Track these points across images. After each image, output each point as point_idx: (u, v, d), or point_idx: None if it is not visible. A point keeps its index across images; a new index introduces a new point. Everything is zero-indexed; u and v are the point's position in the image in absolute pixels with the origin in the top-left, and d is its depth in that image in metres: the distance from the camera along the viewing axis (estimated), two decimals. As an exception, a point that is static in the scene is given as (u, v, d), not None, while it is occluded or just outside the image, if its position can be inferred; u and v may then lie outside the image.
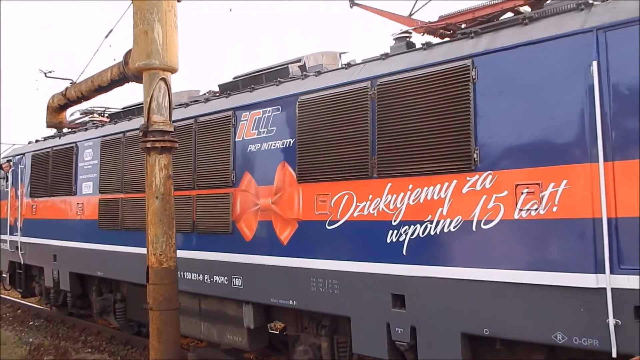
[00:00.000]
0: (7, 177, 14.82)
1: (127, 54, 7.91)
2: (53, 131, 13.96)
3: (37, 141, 14.13)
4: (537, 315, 5.22)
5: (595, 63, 4.93)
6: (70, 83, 10.75)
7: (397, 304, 6.28)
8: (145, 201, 7.57)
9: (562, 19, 5.38)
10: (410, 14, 7.59)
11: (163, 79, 7.31)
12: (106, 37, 10.88)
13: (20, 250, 14.02)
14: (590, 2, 5.34)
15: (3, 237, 15.10)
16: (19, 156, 14.33)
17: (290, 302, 7.38)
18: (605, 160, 4.85)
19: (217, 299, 8.66)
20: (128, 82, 8.45)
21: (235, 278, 8.14)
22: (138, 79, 7.73)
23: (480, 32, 6.06)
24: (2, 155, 15.90)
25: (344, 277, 6.77)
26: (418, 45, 6.81)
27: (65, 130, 13.25)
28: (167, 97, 7.37)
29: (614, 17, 4.98)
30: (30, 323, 14.18)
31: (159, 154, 7.35)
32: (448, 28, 6.92)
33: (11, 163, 14.59)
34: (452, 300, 5.80)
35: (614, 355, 4.78)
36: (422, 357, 6.03)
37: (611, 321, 4.77)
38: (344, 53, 8.40)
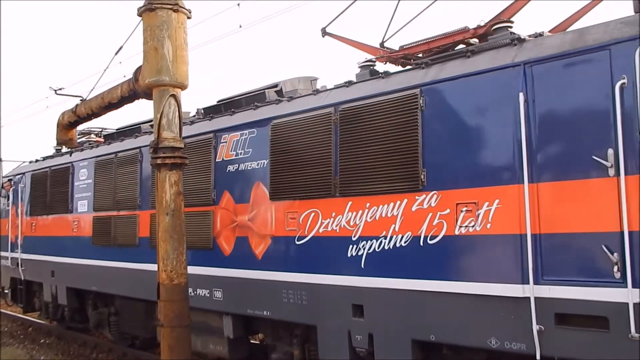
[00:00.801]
0: (9, 195, 15.47)
1: (137, 71, 7.88)
2: (53, 151, 14.65)
3: (36, 161, 14.79)
4: (475, 322, 5.72)
5: (521, 94, 5.47)
6: (81, 100, 10.61)
7: (357, 313, 6.80)
8: (156, 218, 7.65)
9: (498, 53, 5.94)
10: (382, 43, 8.13)
11: (173, 96, 7.33)
12: (116, 53, 10.83)
13: (21, 267, 14.63)
14: (523, 37, 5.91)
15: (4, 254, 15.74)
16: (19, 175, 14.99)
17: (265, 312, 7.90)
18: (530, 182, 5.38)
19: (200, 311, 9.16)
20: (138, 98, 8.41)
21: (216, 291, 8.68)
22: (148, 96, 7.76)
23: (430, 63, 6.63)
24: (4, 175, 16.53)
25: (311, 289, 7.30)
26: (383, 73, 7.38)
27: (64, 149, 13.95)
28: (177, 113, 7.40)
29: (539, 52, 5.53)
30: (42, 341, 14.17)
31: (169, 170, 7.35)
32: (407, 57, 7.47)
33: (12, 182, 15.24)
34: (403, 309, 6.31)
35: (538, 358, 5.28)
36: (378, 363, 6.55)
37: (535, 327, 5.27)
38: (314, 79, 8.96)
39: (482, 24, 6.69)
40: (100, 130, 14.39)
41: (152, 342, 11.09)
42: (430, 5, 7.62)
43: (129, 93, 8.31)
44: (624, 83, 4.89)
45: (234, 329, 8.60)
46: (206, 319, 9.12)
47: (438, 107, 6.19)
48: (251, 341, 9.61)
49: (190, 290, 9.00)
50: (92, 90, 11.01)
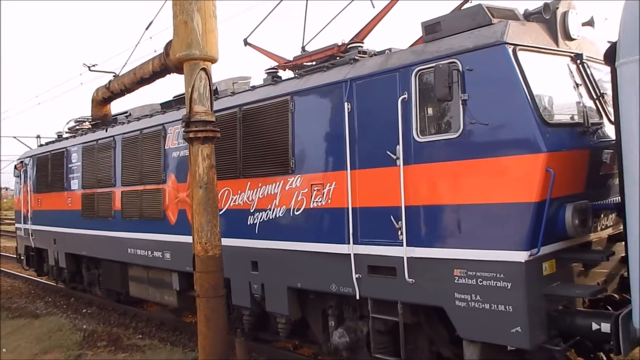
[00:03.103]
0: (20, 175, 17.90)
1: (168, 45, 7.89)
2: (57, 136, 16.92)
3: (41, 145, 17.15)
4: (322, 273, 7.68)
5: (347, 103, 7.32)
6: (114, 76, 10.96)
7: (254, 268, 8.82)
8: (190, 191, 8.06)
9: (341, 69, 7.76)
10: (303, 47, 9.92)
11: (204, 69, 7.35)
12: (147, 29, 11.25)
13: (31, 236, 17.12)
14: (357, 57, 7.72)
15: (19, 225, 18.29)
16: (28, 158, 17.39)
17: (197, 269, 9.98)
18: (351, 169, 7.26)
19: (157, 269, 11.36)
20: (169, 73, 8.45)
21: (166, 253, 10.80)
22: (179, 70, 7.81)
23: (303, 74, 8.48)
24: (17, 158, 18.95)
25: (227, 250, 9.27)
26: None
27: (64, 135, 16.24)
28: (207, 87, 7.42)
29: (361, 71, 7.35)
30: (84, 310, 14.75)
31: (202, 144, 7.43)
32: (297, 67, 9.29)
33: (23, 164, 17.64)
34: (281, 264, 8.31)
35: (357, 297, 7.24)
36: (268, 304, 8.60)
37: (354, 276, 7.22)
38: (244, 79, 10.82)
39: (345, 42, 8.50)
40: (93, 118, 16.52)
41: (129, 297, 13.34)
42: (347, 7, 9.34)
43: (160, 68, 8.47)
44: (404, 97, 6.70)
45: (180, 283, 10.75)
46: (161, 276, 11.31)
47: (301, 110, 8.06)
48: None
49: (148, 252, 11.26)
50: (124, 65, 11.55)
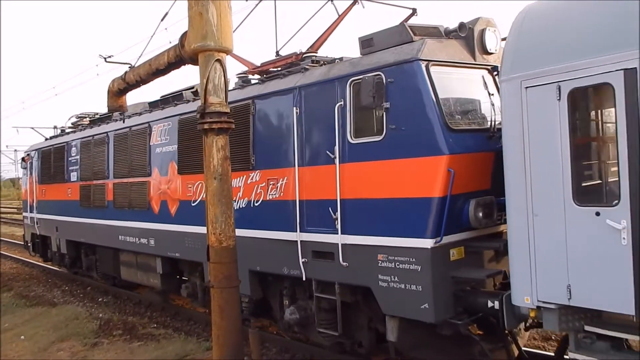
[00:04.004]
0: (27, 167, 19.12)
1: (183, 36, 8.02)
2: (59, 130, 18.05)
3: (46, 140, 18.33)
4: (277, 257, 8.69)
5: (295, 108, 8.29)
6: (129, 67, 11.11)
7: (222, 254, 9.84)
8: (204, 182, 7.87)
9: (294, 77, 8.72)
10: (277, 51, 10.87)
11: (218, 61, 7.43)
12: (162, 20, 11.44)
13: (37, 224, 18.32)
14: (307, 67, 8.68)
15: (25, 214, 19.54)
16: (34, 151, 18.60)
17: (176, 254, 11.05)
18: (299, 166, 8.24)
19: (144, 255, 12.44)
20: (184, 64, 8.60)
21: (151, 240, 11.87)
22: (194, 61, 7.92)
23: (264, 80, 9.45)
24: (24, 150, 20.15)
25: (199, 238, 10.35)
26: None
27: (67, 130, 17.39)
28: (222, 78, 7.48)
29: (308, 80, 8.30)
30: (100, 299, 15.26)
31: (216, 135, 7.43)
32: (265, 72, 10.24)
33: (29, 156, 18.85)
34: (244, 249, 9.28)
35: (304, 279, 8.23)
36: (233, 287, 9.61)
37: (301, 260, 8.21)
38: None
39: (304, 51, 9.44)
40: (94, 114, 17.61)
41: (122, 281, 14.47)
42: (318, 12, 10.23)
43: (175, 59, 8.54)
44: (341, 104, 7.66)
45: (162, 267, 11.84)
46: (147, 261, 12.39)
47: (260, 113, 9.05)
48: (183, 277, 12.80)
49: (136, 239, 12.34)
50: (140, 57, 11.79)
